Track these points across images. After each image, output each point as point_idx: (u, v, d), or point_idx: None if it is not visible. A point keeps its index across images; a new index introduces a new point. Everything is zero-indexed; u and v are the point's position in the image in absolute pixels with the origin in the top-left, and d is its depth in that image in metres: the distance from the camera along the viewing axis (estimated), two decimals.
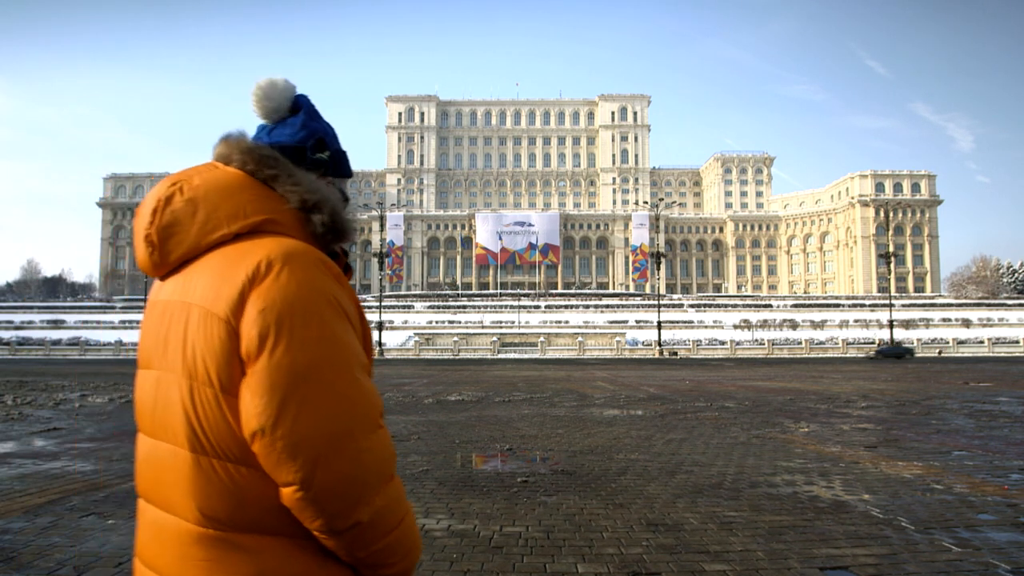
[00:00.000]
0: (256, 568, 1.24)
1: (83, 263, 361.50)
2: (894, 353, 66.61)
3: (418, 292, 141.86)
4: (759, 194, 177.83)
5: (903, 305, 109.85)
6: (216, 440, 1.24)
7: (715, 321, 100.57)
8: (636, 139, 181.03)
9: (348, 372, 1.25)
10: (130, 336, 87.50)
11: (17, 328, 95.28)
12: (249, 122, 1.57)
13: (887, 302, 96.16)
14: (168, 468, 1.29)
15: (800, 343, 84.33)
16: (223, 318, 1.24)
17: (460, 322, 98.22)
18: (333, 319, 1.26)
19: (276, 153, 1.43)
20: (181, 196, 1.36)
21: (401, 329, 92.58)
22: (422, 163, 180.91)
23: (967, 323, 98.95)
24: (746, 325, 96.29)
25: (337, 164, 1.55)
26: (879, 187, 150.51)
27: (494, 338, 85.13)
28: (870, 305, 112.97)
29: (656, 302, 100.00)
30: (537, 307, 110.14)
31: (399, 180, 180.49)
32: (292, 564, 1.26)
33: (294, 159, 1.45)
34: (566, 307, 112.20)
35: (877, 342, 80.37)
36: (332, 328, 1.25)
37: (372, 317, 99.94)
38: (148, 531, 1.35)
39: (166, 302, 1.36)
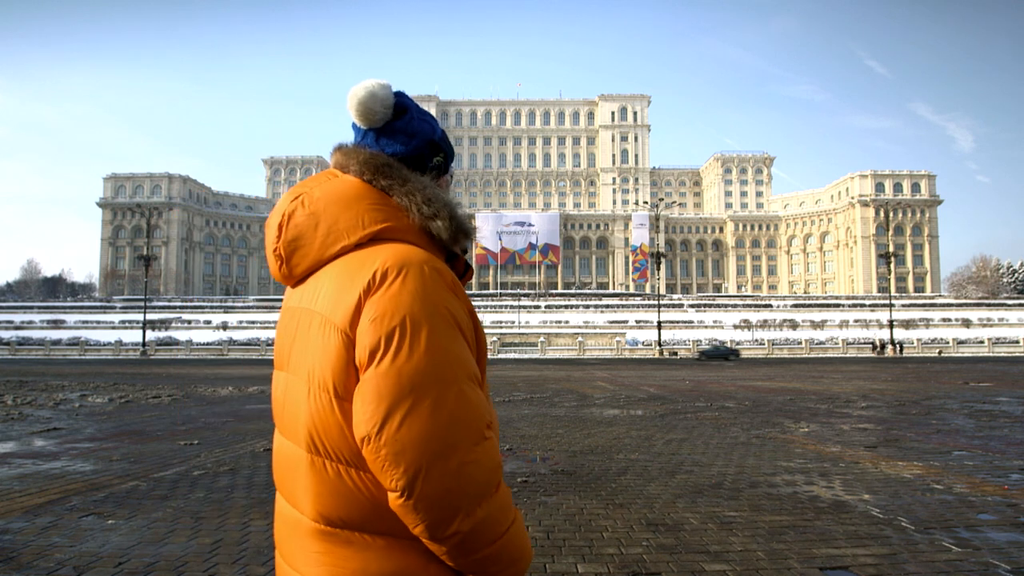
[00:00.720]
0: (362, 564, 1.31)
1: (83, 263, 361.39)
2: (718, 355, 66.02)
3: None
4: (759, 194, 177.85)
5: (903, 305, 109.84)
6: (329, 442, 1.31)
7: (715, 321, 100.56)
8: (636, 139, 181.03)
9: (454, 385, 1.25)
10: (129, 336, 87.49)
11: (17, 328, 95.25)
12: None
13: (887, 302, 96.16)
14: (292, 466, 1.38)
15: (800, 343, 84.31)
16: (340, 328, 1.29)
17: None
18: (442, 330, 1.27)
19: (392, 161, 1.47)
20: (303, 210, 1.42)
21: None
22: None
23: (967, 323, 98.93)
24: (746, 325, 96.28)
25: (449, 162, 1.60)
26: (879, 187, 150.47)
27: (494, 338, 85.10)
28: (870, 305, 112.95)
29: (656, 302, 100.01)
30: (537, 307, 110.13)
31: None
32: (396, 562, 1.31)
33: (409, 163, 1.50)
34: (566, 307, 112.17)
35: (885, 342, 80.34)
36: (440, 339, 1.26)
37: None
38: (279, 522, 1.46)
39: (294, 308, 1.45)
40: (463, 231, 1.46)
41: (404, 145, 1.50)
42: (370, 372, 1.24)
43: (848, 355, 76.24)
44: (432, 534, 1.24)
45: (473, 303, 1.68)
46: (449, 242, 1.44)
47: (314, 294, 1.38)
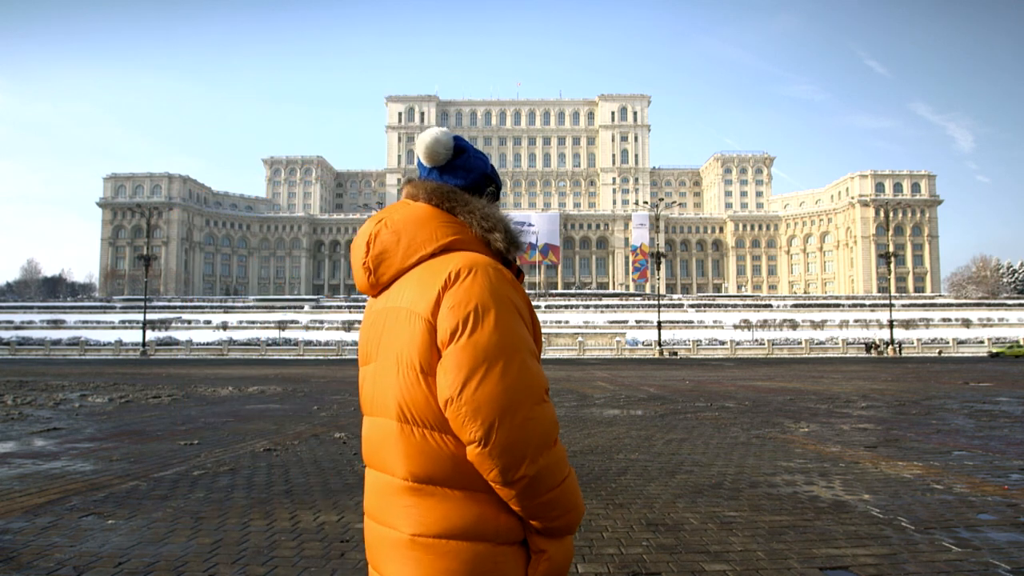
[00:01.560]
0: (444, 512, 1.60)
1: (83, 263, 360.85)
2: None
3: None
4: (759, 194, 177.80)
5: (903, 305, 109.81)
6: (416, 411, 1.62)
7: (715, 321, 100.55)
8: (636, 139, 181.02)
9: (517, 355, 1.56)
10: (129, 336, 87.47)
11: (17, 328, 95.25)
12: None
13: (887, 302, 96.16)
14: (382, 436, 1.69)
15: (800, 343, 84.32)
16: (424, 316, 1.61)
17: None
18: (506, 313, 1.58)
19: (454, 188, 1.81)
20: (387, 230, 1.76)
21: None
22: None
23: (967, 323, 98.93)
24: (746, 325, 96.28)
25: (499, 190, 1.93)
26: (879, 187, 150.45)
27: None
28: (870, 305, 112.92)
29: (656, 302, 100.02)
30: (537, 307, 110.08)
31: (399, 180, 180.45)
32: (472, 510, 1.60)
33: (468, 192, 1.84)
34: (566, 307, 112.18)
35: (883, 341, 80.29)
36: (505, 320, 1.57)
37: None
38: (371, 489, 1.75)
39: (381, 309, 1.77)
40: (515, 242, 1.78)
41: (463, 179, 1.84)
42: (451, 348, 1.55)
43: (848, 355, 76.24)
44: (504, 478, 1.53)
45: None
46: (505, 251, 1.75)
47: (399, 295, 1.70)
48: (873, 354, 75.80)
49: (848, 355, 76.22)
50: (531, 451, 1.53)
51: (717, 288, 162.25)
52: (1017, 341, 79.86)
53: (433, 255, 1.70)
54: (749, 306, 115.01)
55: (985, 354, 75.73)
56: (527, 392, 1.54)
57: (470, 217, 1.76)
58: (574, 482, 1.64)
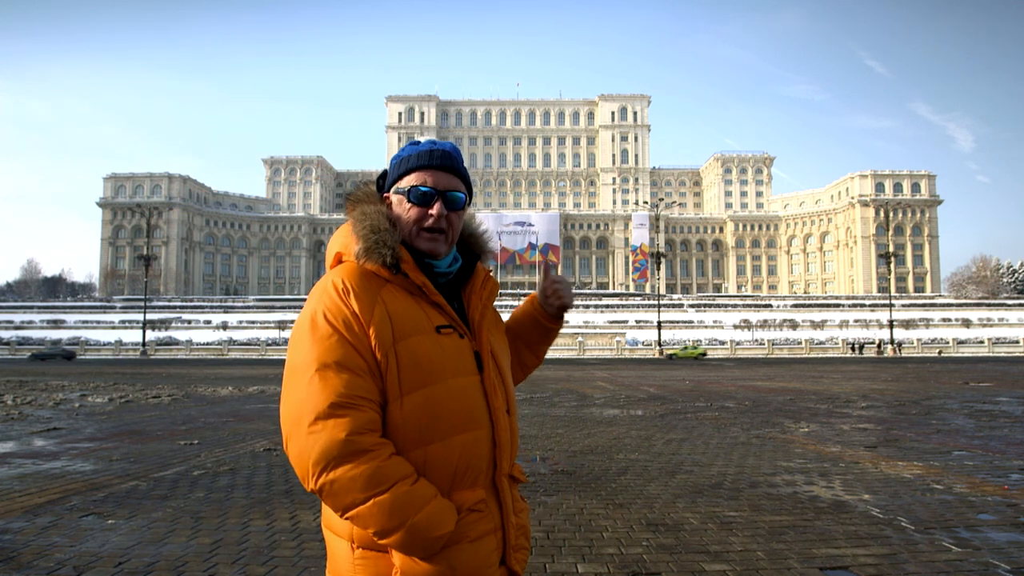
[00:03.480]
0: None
1: (83, 263, 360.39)
2: (51, 355, 64.22)
3: None
4: (759, 194, 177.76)
5: (903, 305, 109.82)
6: None
7: (715, 321, 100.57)
8: (636, 139, 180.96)
9: (307, 372, 1.58)
10: (129, 336, 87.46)
11: (17, 328, 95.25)
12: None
13: (887, 302, 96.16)
14: None
15: (800, 343, 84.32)
16: None
17: None
18: (312, 332, 1.62)
19: (351, 202, 1.82)
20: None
21: None
22: None
23: (967, 323, 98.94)
24: (746, 325, 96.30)
25: (401, 186, 1.84)
26: (879, 187, 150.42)
27: None
28: (870, 305, 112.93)
29: (656, 302, 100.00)
30: None
31: None
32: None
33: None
34: None
35: (880, 341, 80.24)
36: (308, 339, 1.61)
37: None
38: None
39: None
40: (364, 252, 1.71)
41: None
42: None
43: (848, 355, 76.25)
44: (306, 489, 1.59)
45: None
46: (359, 262, 1.71)
47: None
48: (872, 353, 75.76)
49: (848, 355, 76.22)
50: (312, 466, 1.53)
51: (717, 288, 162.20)
52: (694, 343, 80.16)
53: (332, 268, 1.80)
54: (749, 306, 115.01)
55: (977, 354, 75.71)
56: (311, 407, 1.55)
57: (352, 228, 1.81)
58: (393, 502, 1.52)
